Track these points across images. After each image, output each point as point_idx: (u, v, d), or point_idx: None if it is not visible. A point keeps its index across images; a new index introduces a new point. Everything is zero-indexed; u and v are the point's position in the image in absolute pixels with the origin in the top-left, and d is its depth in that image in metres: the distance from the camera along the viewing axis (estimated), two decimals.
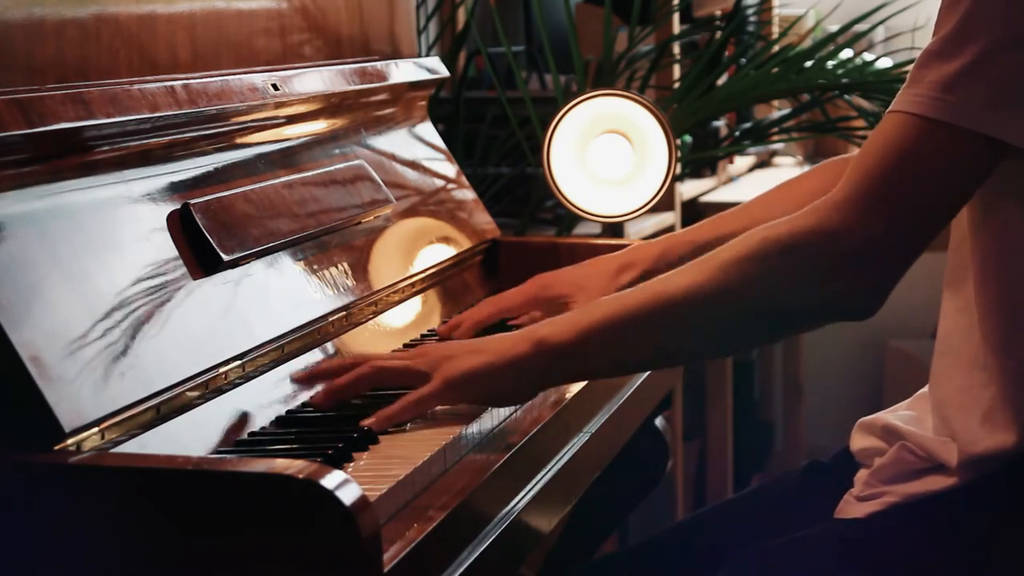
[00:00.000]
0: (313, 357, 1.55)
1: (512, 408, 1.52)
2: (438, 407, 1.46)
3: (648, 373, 1.85)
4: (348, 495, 1.09)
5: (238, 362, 1.42)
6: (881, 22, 3.07)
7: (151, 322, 1.34)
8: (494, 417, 1.48)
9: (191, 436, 1.32)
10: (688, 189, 3.35)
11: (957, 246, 1.45)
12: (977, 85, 1.30)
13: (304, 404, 1.47)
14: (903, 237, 1.34)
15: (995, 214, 1.40)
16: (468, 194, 2.11)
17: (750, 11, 3.41)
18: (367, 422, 1.39)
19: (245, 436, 1.37)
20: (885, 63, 3.20)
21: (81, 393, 1.21)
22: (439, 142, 2.11)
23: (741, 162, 3.93)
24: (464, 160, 2.64)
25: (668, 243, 1.79)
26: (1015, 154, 1.33)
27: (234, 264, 1.49)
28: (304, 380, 1.49)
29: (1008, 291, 1.40)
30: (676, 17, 3.11)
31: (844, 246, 1.33)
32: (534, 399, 1.52)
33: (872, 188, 1.33)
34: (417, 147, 2.04)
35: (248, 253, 1.51)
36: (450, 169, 2.10)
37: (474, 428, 1.43)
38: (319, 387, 1.49)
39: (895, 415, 1.51)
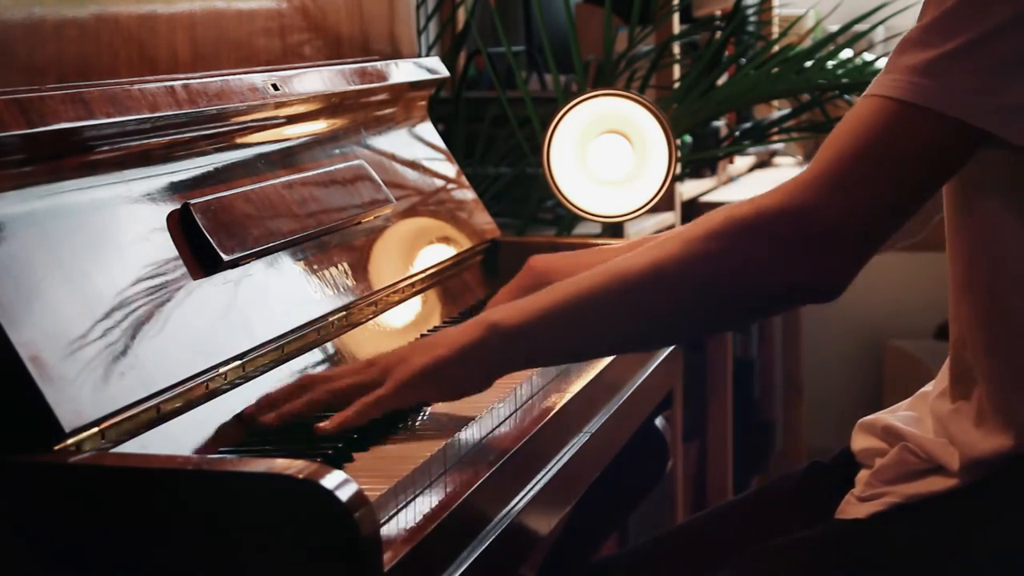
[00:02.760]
0: (313, 357, 1.55)
1: (512, 408, 1.51)
2: (439, 408, 1.45)
3: (648, 372, 1.84)
4: (348, 495, 1.09)
5: (238, 362, 1.42)
6: (881, 22, 3.07)
7: (151, 322, 1.34)
8: (494, 417, 1.48)
9: (191, 436, 1.32)
10: (688, 189, 3.35)
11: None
12: (956, 71, 1.29)
13: (243, 420, 1.40)
14: (870, 219, 1.31)
15: (976, 212, 1.39)
16: (468, 194, 2.11)
17: (750, 11, 3.41)
18: (321, 425, 1.35)
19: (245, 436, 1.37)
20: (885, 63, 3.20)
21: (81, 393, 1.21)
22: (439, 142, 2.11)
23: (741, 162, 3.93)
24: (464, 160, 2.64)
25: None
26: (993, 146, 1.32)
27: (234, 264, 1.49)
28: (253, 411, 1.40)
29: (991, 293, 1.39)
30: (676, 17, 3.11)
31: (810, 225, 1.31)
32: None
33: (841, 169, 1.31)
34: (417, 147, 2.04)
35: (248, 253, 1.51)
36: (450, 169, 2.10)
37: (474, 428, 1.43)
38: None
39: (896, 415, 1.51)
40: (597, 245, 2.01)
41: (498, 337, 1.39)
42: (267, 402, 1.40)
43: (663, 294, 1.36)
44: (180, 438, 1.30)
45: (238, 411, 1.39)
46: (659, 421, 2.06)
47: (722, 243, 1.34)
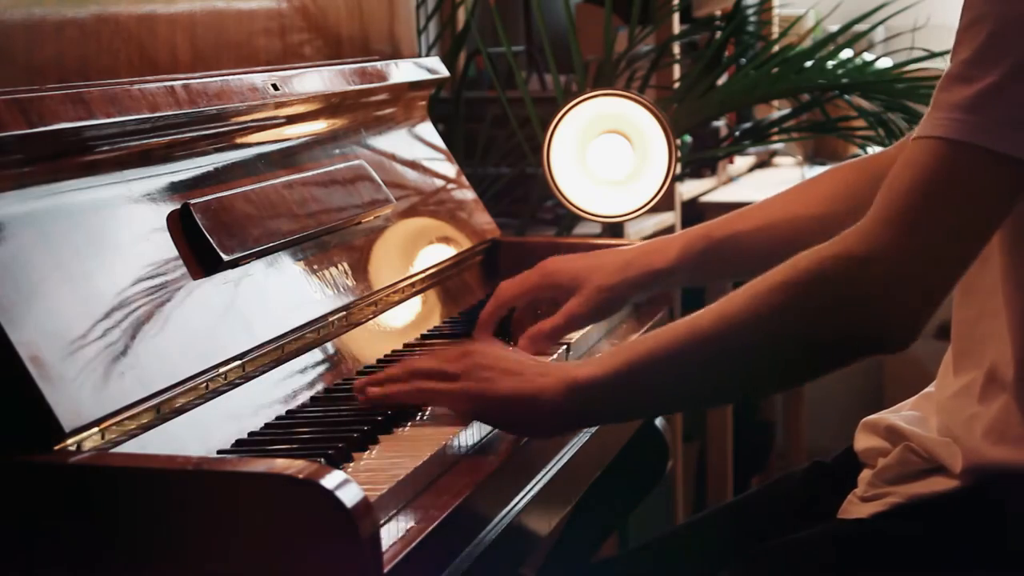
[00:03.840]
0: (313, 357, 1.55)
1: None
2: (439, 408, 1.45)
3: None
4: (348, 495, 1.08)
5: (238, 362, 1.42)
6: (881, 22, 3.07)
7: (151, 322, 1.34)
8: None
9: (191, 436, 1.32)
10: (688, 189, 3.35)
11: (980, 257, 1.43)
12: (1000, 105, 1.27)
13: (345, 379, 1.49)
14: (933, 263, 1.30)
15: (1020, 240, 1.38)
16: (468, 194, 2.11)
17: (750, 11, 3.41)
18: (372, 390, 1.40)
19: (245, 436, 1.37)
20: (885, 63, 3.20)
21: (81, 393, 1.21)
22: (439, 142, 2.11)
23: (741, 162, 3.93)
24: (464, 160, 2.64)
25: (685, 238, 1.74)
26: None
27: (234, 264, 1.49)
28: (363, 383, 1.46)
29: None
30: (676, 17, 3.11)
31: (873, 273, 1.29)
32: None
33: (899, 213, 1.29)
34: (417, 147, 2.04)
35: (248, 253, 1.51)
36: (450, 169, 2.10)
37: (474, 428, 1.42)
38: (320, 387, 1.48)
39: (899, 415, 1.51)
40: (597, 246, 2.01)
41: (577, 396, 1.39)
42: (375, 380, 1.45)
43: (732, 348, 1.35)
44: (180, 438, 1.30)
45: (238, 411, 1.39)
46: (659, 421, 2.06)
47: (787, 293, 1.33)
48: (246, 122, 1.62)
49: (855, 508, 1.48)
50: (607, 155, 2.21)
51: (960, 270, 1.31)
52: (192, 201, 1.47)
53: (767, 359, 1.36)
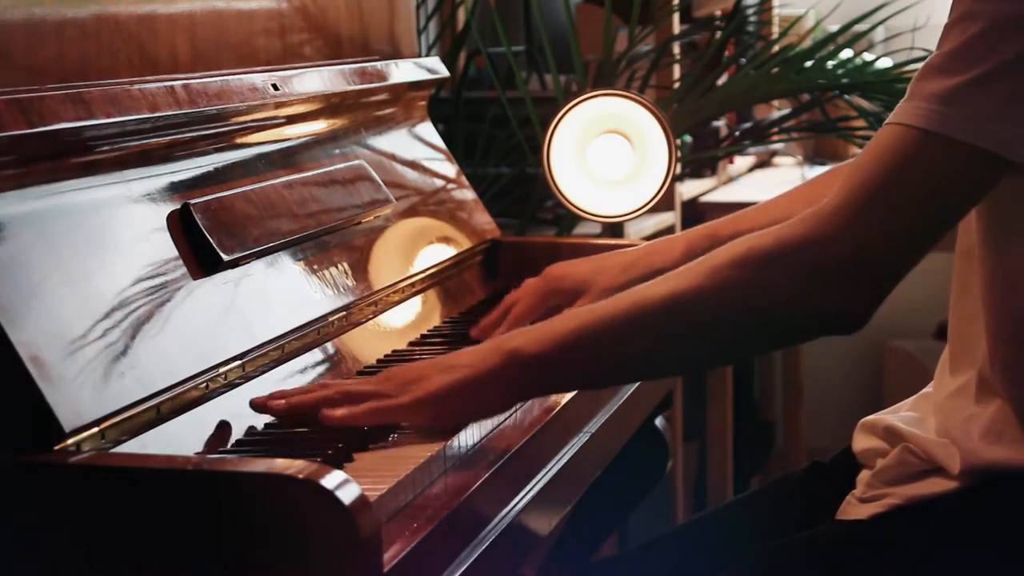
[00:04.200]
0: (313, 357, 1.55)
1: (511, 409, 1.51)
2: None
3: None
4: (348, 495, 1.08)
5: (238, 362, 1.42)
6: (881, 22, 3.07)
7: (151, 322, 1.34)
8: (494, 418, 1.48)
9: (191, 436, 1.32)
10: (688, 189, 3.35)
11: (965, 251, 1.43)
12: (980, 99, 1.27)
13: (253, 407, 1.41)
14: (893, 250, 1.30)
15: (1002, 239, 1.37)
16: (468, 194, 2.11)
17: (750, 11, 3.41)
18: (327, 411, 1.35)
19: (245, 436, 1.37)
20: (885, 63, 3.20)
21: (81, 393, 1.21)
22: (439, 142, 2.11)
23: (741, 162, 3.93)
24: (464, 160, 2.64)
25: (688, 238, 1.74)
26: (1019, 174, 1.30)
27: (234, 264, 1.49)
28: (263, 400, 1.41)
29: (1016, 319, 1.38)
30: (676, 17, 3.10)
31: (832, 256, 1.29)
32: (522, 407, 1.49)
33: (863, 199, 1.29)
34: (417, 147, 2.04)
35: (248, 253, 1.51)
36: (450, 169, 2.10)
37: (474, 428, 1.42)
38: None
39: (897, 416, 1.51)
40: (598, 246, 2.01)
41: (517, 365, 1.37)
42: (280, 393, 1.41)
43: (683, 324, 1.35)
44: (180, 438, 1.30)
45: (238, 411, 1.39)
46: (659, 421, 2.06)
47: (743, 273, 1.32)
48: (246, 122, 1.62)
49: (854, 509, 1.48)
50: (607, 155, 2.21)
51: (917, 257, 1.31)
52: (192, 201, 1.47)
53: (719, 335, 1.36)
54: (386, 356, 1.67)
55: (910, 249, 1.31)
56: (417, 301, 1.85)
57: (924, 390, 1.53)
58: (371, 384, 1.40)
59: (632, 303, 1.36)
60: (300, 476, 1.09)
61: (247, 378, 1.43)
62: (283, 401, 1.40)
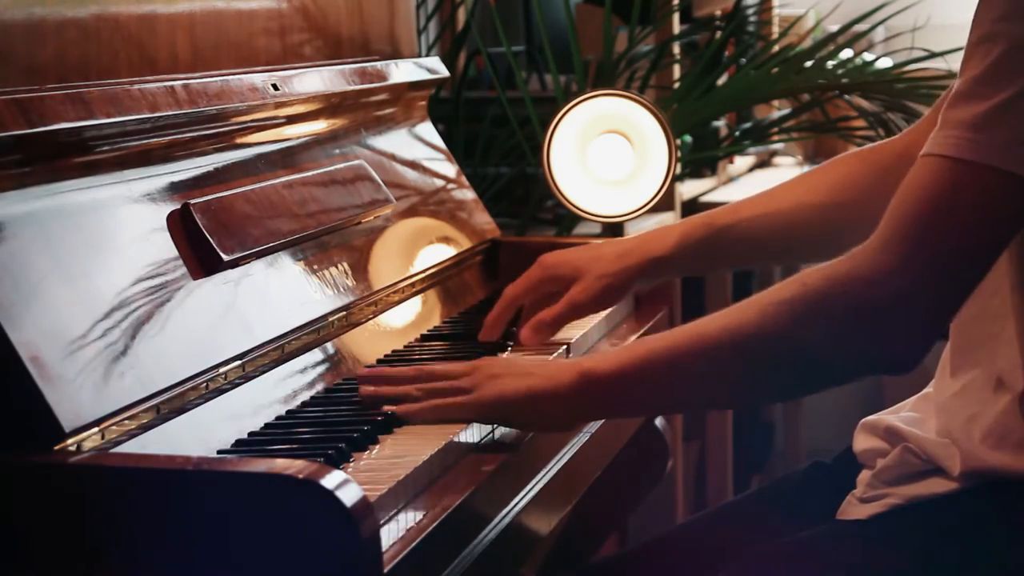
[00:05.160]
0: (313, 357, 1.55)
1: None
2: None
3: None
4: (348, 495, 1.08)
5: (238, 362, 1.42)
6: (881, 22, 3.07)
7: (151, 322, 1.34)
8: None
9: (191, 436, 1.32)
10: (688, 189, 3.35)
11: None
12: (1010, 124, 1.27)
13: (345, 379, 1.48)
14: (941, 282, 1.30)
15: None
16: (468, 194, 2.11)
17: (750, 11, 3.41)
18: (390, 408, 1.39)
19: (245, 436, 1.37)
20: (885, 63, 3.20)
21: (81, 393, 1.21)
22: (439, 142, 2.11)
23: (741, 162, 3.93)
24: (464, 160, 2.64)
25: (684, 228, 1.75)
26: None
27: (234, 264, 1.49)
28: (366, 374, 1.48)
29: None
30: (676, 17, 3.10)
31: (880, 293, 1.29)
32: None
33: (907, 233, 1.29)
34: (417, 147, 2.04)
35: (248, 253, 1.51)
36: (450, 169, 2.10)
37: (474, 428, 1.42)
38: (320, 387, 1.48)
39: (898, 416, 1.51)
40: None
41: (589, 384, 1.40)
42: (381, 375, 1.46)
43: (737, 358, 1.36)
44: (180, 438, 1.30)
45: (238, 411, 1.39)
46: (659, 421, 2.06)
47: (795, 309, 1.33)
48: (246, 122, 1.62)
49: (854, 509, 1.48)
50: (607, 155, 2.21)
51: (968, 289, 1.31)
52: (192, 201, 1.47)
53: (771, 374, 1.38)
54: (386, 356, 1.67)
55: (956, 280, 1.31)
56: (417, 301, 1.85)
57: (925, 390, 1.53)
58: (454, 370, 1.44)
59: (693, 334, 1.39)
60: (300, 476, 1.08)
61: (247, 378, 1.43)
62: (372, 388, 1.44)
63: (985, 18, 1.30)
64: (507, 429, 1.46)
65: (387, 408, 1.40)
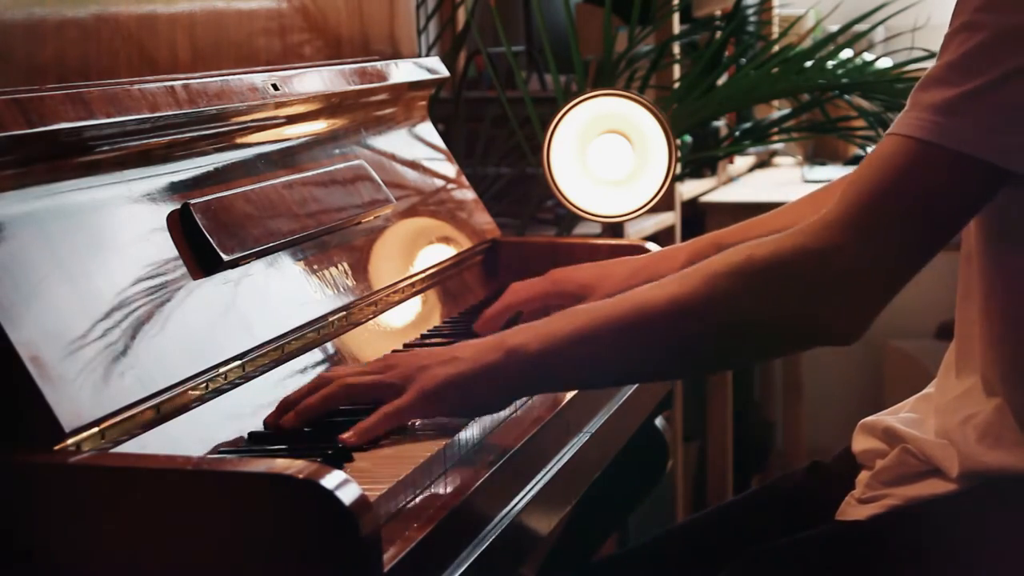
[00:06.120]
0: (313, 357, 1.55)
1: (512, 408, 1.51)
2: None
3: None
4: (348, 495, 1.08)
5: (238, 362, 1.42)
6: (881, 22, 3.07)
7: (151, 322, 1.34)
8: (494, 417, 1.48)
9: (191, 436, 1.32)
10: (688, 189, 3.36)
11: (967, 255, 1.43)
12: (979, 110, 1.27)
13: (267, 427, 1.40)
14: (891, 261, 1.30)
15: (1001, 246, 1.37)
16: (468, 194, 2.11)
17: (750, 11, 3.41)
18: (344, 436, 1.34)
19: (245, 436, 1.37)
20: (885, 63, 3.20)
21: (81, 393, 1.21)
22: (439, 142, 2.11)
23: (741, 162, 3.93)
24: (464, 160, 2.64)
25: (694, 246, 1.74)
26: (1017, 184, 1.30)
27: (234, 264, 1.49)
28: (273, 417, 1.40)
29: (1016, 324, 1.39)
30: (676, 17, 3.11)
31: (830, 268, 1.30)
32: (526, 403, 1.49)
33: (862, 210, 1.29)
34: (417, 147, 2.04)
35: (248, 253, 1.51)
36: (450, 169, 2.10)
37: (474, 428, 1.43)
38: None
39: (897, 417, 1.51)
40: (598, 246, 2.01)
41: (517, 362, 1.37)
42: (284, 405, 1.40)
43: (681, 330, 1.35)
44: (180, 438, 1.30)
45: (238, 411, 1.39)
46: (659, 421, 2.06)
47: (741, 280, 1.32)
48: (246, 122, 1.62)
49: (853, 510, 1.48)
50: (607, 155, 2.21)
51: (914, 269, 1.31)
52: (192, 201, 1.47)
53: (717, 344, 1.36)
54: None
55: (908, 259, 1.31)
56: (417, 301, 1.85)
57: (924, 391, 1.53)
58: (372, 374, 1.40)
59: (632, 306, 1.36)
60: (300, 476, 1.09)
61: (247, 378, 1.43)
62: (292, 415, 1.39)
63: (967, 7, 1.30)
64: (508, 428, 1.46)
65: (341, 438, 1.34)
